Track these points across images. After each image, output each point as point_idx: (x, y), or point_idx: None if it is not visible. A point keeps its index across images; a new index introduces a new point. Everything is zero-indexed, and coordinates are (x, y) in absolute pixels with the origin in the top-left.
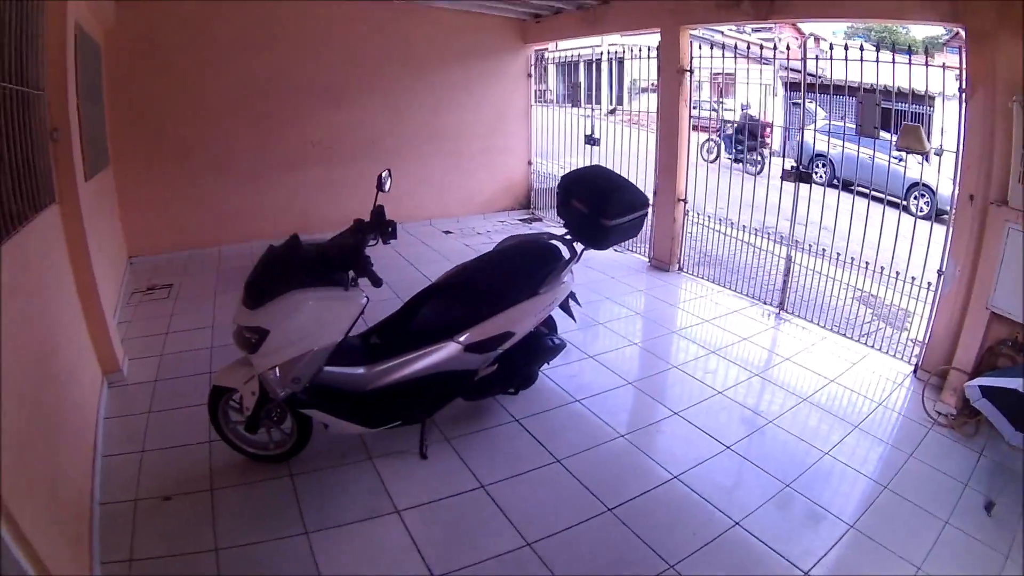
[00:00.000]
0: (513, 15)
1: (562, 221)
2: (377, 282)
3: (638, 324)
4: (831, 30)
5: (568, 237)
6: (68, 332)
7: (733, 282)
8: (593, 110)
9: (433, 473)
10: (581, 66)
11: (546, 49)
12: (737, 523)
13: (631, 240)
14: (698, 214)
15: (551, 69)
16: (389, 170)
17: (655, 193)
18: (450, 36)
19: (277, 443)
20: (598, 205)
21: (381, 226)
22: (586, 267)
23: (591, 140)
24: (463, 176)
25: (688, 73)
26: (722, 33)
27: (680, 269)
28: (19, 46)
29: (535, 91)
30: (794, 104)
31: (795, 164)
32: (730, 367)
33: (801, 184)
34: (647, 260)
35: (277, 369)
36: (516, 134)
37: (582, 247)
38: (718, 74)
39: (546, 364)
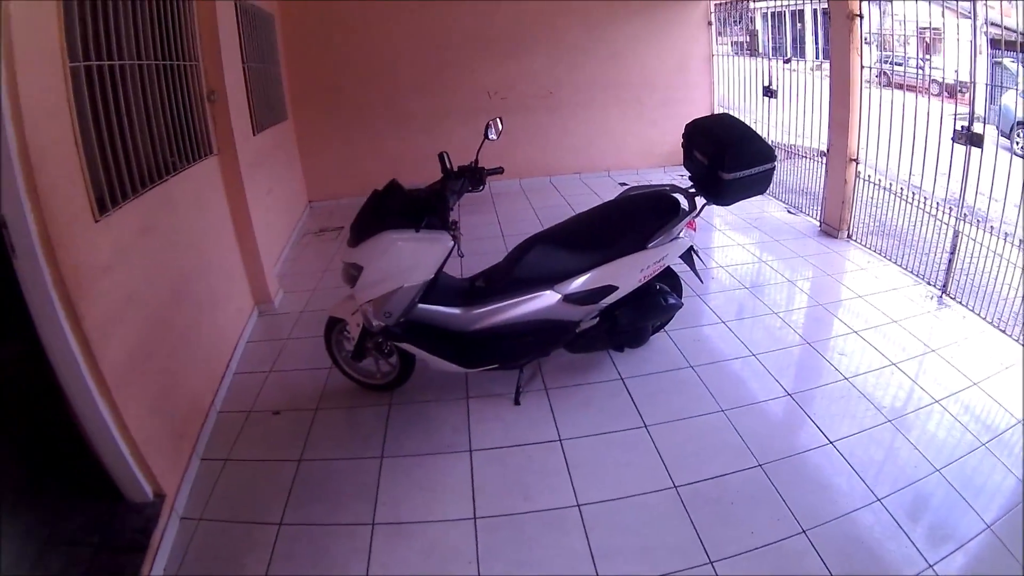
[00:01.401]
0: None
1: (688, 173)
2: (447, 226)
3: (786, 292)
4: None
5: (692, 190)
6: (219, 265)
7: (902, 256)
8: (771, 61)
9: (519, 420)
10: (786, 16)
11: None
12: (804, 531)
13: (806, 201)
14: (872, 172)
15: (758, 19)
16: (500, 118)
17: (827, 151)
18: None
19: (384, 373)
20: (716, 157)
21: (472, 173)
22: (751, 227)
23: (768, 92)
24: (643, 127)
25: (859, 18)
26: None
27: (849, 237)
28: (171, 27)
29: (739, 43)
30: (996, 63)
31: (965, 125)
32: (867, 351)
33: (973, 148)
34: (818, 224)
35: (372, 303)
36: (697, 85)
37: (703, 202)
38: (924, 28)
39: (661, 324)
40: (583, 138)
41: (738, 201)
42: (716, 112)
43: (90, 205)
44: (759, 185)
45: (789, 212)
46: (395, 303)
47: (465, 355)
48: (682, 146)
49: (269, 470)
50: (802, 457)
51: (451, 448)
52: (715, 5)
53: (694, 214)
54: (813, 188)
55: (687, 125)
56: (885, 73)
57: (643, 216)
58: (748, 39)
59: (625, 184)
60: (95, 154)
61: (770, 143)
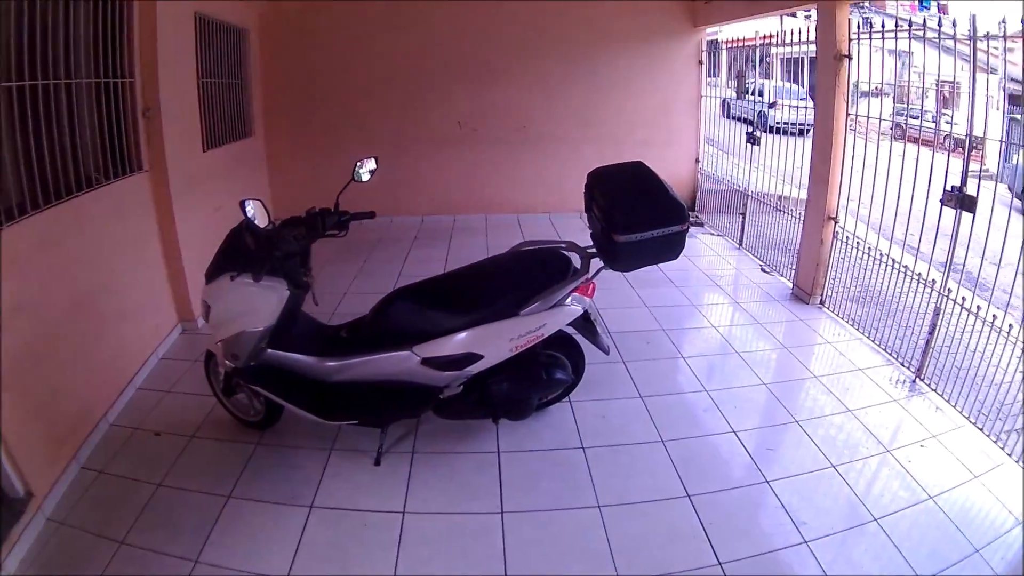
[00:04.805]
0: None
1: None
2: (282, 274)
3: (728, 366)
4: None
5: (591, 250)
6: (137, 280)
7: (878, 329)
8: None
9: (371, 482)
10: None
11: (770, 43)
12: None
13: (784, 260)
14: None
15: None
16: (375, 158)
17: (806, 207)
18: (610, 16)
19: (256, 411)
20: (610, 215)
21: (315, 221)
22: (714, 285)
23: (752, 139)
24: None
25: (847, 59)
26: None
27: (822, 303)
28: (106, 45)
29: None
30: (1012, 119)
31: (956, 186)
32: (806, 448)
33: (964, 213)
34: (791, 287)
35: (221, 343)
36: (682, 128)
37: (600, 265)
38: (946, 82)
39: (554, 398)
40: (556, 176)
41: (637, 268)
42: (632, 161)
43: None
44: (661, 252)
45: (763, 271)
46: (239, 347)
47: (322, 406)
48: (584, 196)
49: (132, 489)
50: None
51: (294, 501)
52: (727, 47)
53: (585, 278)
54: (793, 245)
55: (589, 174)
56: (900, 125)
57: (523, 277)
58: (736, 81)
59: None
60: None
61: (680, 201)
